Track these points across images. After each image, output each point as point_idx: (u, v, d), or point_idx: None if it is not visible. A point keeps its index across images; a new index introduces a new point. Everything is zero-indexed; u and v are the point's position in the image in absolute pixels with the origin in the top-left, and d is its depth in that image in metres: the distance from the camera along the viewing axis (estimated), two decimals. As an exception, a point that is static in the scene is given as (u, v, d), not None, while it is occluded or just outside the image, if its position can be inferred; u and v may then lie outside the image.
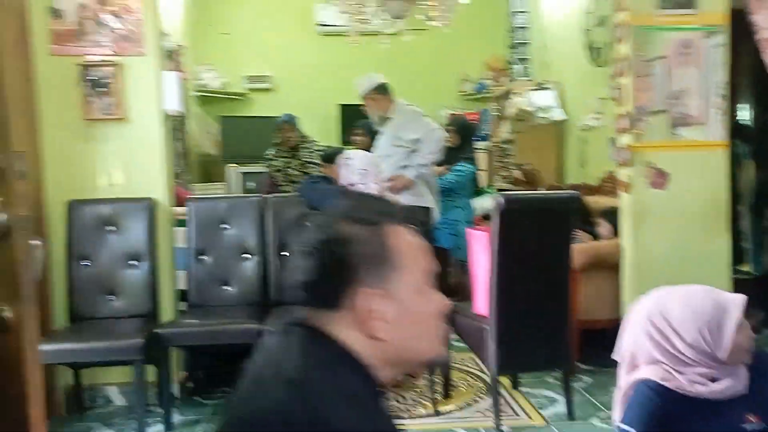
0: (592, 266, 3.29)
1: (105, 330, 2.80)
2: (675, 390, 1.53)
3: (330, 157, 3.66)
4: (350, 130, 4.73)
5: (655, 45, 3.09)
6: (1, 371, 1.27)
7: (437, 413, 2.86)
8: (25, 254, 1.28)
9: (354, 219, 0.91)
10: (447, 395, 3.03)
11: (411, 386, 3.10)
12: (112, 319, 2.93)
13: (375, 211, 0.93)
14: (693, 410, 1.52)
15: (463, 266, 3.06)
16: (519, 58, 5.92)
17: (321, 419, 0.81)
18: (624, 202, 3.22)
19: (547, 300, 2.68)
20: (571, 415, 2.77)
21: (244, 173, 5.37)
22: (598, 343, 2.94)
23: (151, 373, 2.88)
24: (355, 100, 4.02)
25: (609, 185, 4.23)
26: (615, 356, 1.71)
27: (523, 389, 3.12)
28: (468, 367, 3.41)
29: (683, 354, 1.54)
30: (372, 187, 3.08)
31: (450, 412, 2.90)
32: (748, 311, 1.54)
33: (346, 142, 5.43)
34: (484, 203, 4.65)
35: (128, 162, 3.07)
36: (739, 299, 1.55)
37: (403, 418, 2.79)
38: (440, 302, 0.95)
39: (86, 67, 3.00)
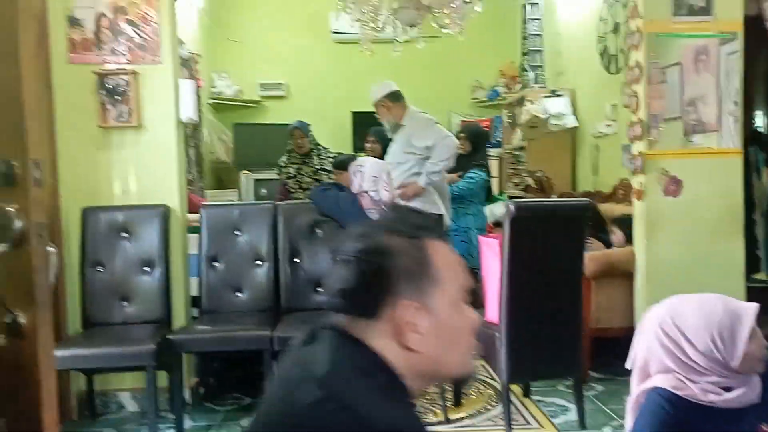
0: (604, 274, 3.27)
1: (118, 336, 2.83)
2: (687, 399, 1.52)
3: (341, 164, 3.67)
4: (362, 137, 4.75)
5: (669, 52, 3.08)
6: (16, 376, 1.28)
7: (448, 421, 2.85)
8: (40, 261, 1.30)
9: (396, 231, 0.92)
10: (458, 403, 3.02)
11: (422, 393, 3.09)
12: (125, 325, 2.96)
13: (417, 225, 0.94)
14: (705, 419, 1.51)
15: (475, 273, 3.05)
16: (532, 65, 5.92)
17: (355, 415, 0.82)
18: (637, 209, 3.20)
19: (558, 308, 2.67)
20: (582, 423, 2.74)
21: (257, 180, 5.41)
22: (611, 352, 2.93)
23: (163, 378, 2.90)
24: (368, 107, 4.03)
25: (622, 193, 4.21)
26: (627, 365, 1.70)
27: (535, 397, 3.11)
28: (479, 374, 3.40)
29: (696, 362, 1.53)
30: (383, 194, 3.09)
31: (460, 419, 2.89)
32: (762, 320, 1.53)
33: (359, 149, 5.45)
34: (496, 210, 4.65)
35: (142, 169, 3.11)
36: (753, 308, 1.53)
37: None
38: (474, 318, 0.96)
39: (103, 75, 3.05)
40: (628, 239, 3.38)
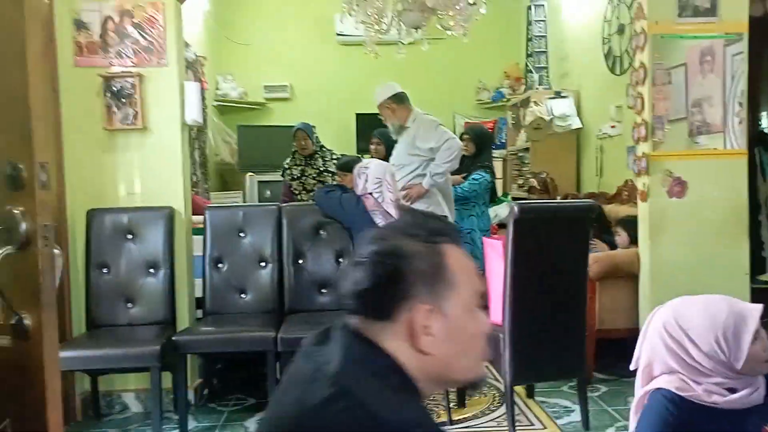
0: (608, 275, 3.27)
1: (122, 337, 2.84)
2: (691, 400, 1.52)
3: (346, 165, 3.68)
4: (367, 138, 4.76)
5: (674, 53, 3.08)
6: (21, 377, 1.29)
7: (451, 422, 2.85)
8: (46, 262, 1.31)
9: (413, 235, 0.93)
10: (461, 404, 3.02)
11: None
12: (130, 326, 2.97)
13: (434, 229, 0.95)
14: (709, 420, 1.50)
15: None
16: (536, 67, 5.92)
17: (368, 413, 0.83)
18: (641, 210, 3.20)
19: (562, 309, 2.66)
20: (586, 424, 2.74)
21: (261, 182, 5.42)
22: (615, 353, 2.92)
23: (167, 379, 2.91)
24: (372, 109, 4.04)
25: (626, 194, 4.20)
26: (632, 366, 1.70)
27: (539, 398, 3.10)
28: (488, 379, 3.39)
29: (700, 364, 1.52)
30: (387, 196, 3.09)
31: (464, 420, 2.89)
32: (766, 321, 1.52)
33: (363, 150, 5.46)
34: (500, 212, 4.65)
35: (148, 171, 3.12)
36: (757, 309, 1.53)
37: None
38: (487, 323, 0.97)
39: (109, 77, 3.06)
40: (633, 240, 3.38)
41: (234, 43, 6.18)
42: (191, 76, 4.57)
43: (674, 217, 3.08)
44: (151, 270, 3.04)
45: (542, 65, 5.91)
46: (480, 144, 4.37)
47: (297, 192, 4.46)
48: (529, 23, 6.05)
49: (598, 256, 3.31)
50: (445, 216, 3.65)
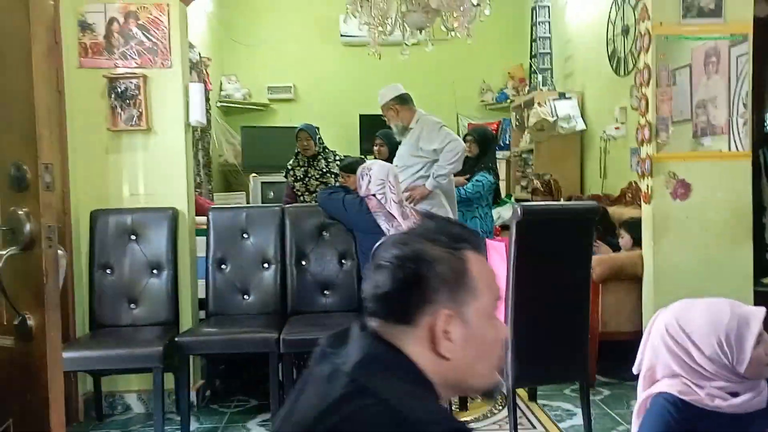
0: (612, 277, 3.26)
1: (125, 338, 2.85)
2: (693, 404, 1.51)
3: (349, 166, 3.68)
4: (370, 139, 4.76)
5: (679, 54, 3.07)
6: (24, 377, 1.30)
7: (454, 424, 2.84)
8: (50, 263, 1.31)
9: (436, 241, 0.94)
10: (463, 407, 3.02)
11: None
12: (133, 327, 2.98)
13: (456, 235, 0.96)
14: (712, 425, 1.50)
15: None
16: (540, 68, 5.91)
17: (389, 408, 0.83)
18: (645, 212, 3.19)
19: (565, 311, 2.66)
20: (589, 428, 2.73)
21: (265, 183, 5.42)
22: (618, 356, 2.91)
23: (169, 380, 2.91)
24: (376, 110, 4.04)
25: (630, 196, 4.19)
26: (635, 369, 1.70)
27: (541, 401, 3.10)
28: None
29: (702, 367, 1.52)
30: (390, 197, 3.09)
31: (466, 423, 2.89)
32: (770, 325, 1.52)
33: (366, 151, 5.46)
34: (504, 213, 4.64)
35: (151, 172, 3.13)
36: (760, 312, 1.53)
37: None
38: (504, 330, 0.98)
39: (113, 79, 3.07)
40: (636, 243, 3.37)
41: (238, 45, 6.20)
42: (195, 77, 4.58)
43: (678, 219, 3.07)
44: (155, 271, 3.05)
45: (546, 66, 5.91)
46: (483, 145, 4.37)
47: (300, 193, 4.47)
48: (533, 24, 6.04)
49: (601, 258, 3.30)
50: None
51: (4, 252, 1.24)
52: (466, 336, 0.91)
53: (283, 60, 6.30)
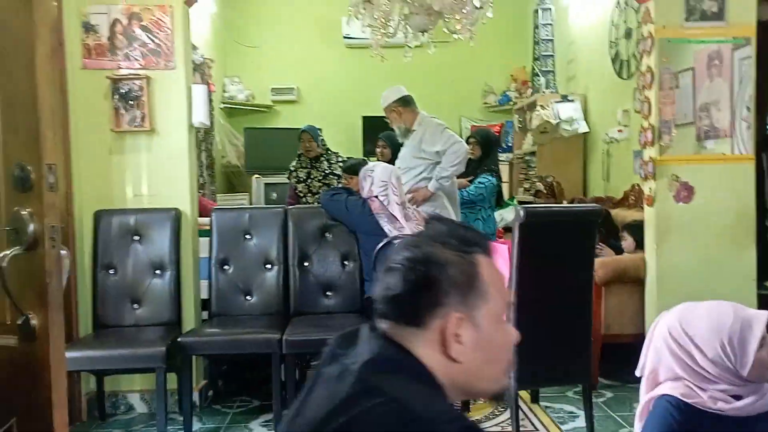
0: (615, 280, 3.26)
1: (128, 338, 2.85)
2: (696, 407, 1.51)
3: (352, 168, 3.68)
4: (373, 141, 4.76)
5: (682, 57, 3.07)
6: (28, 377, 1.30)
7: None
8: (53, 263, 1.32)
9: (447, 244, 0.94)
10: (465, 408, 3.02)
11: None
12: (136, 327, 2.99)
13: (468, 239, 0.97)
14: (714, 428, 1.50)
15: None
16: (543, 70, 5.91)
17: (400, 406, 0.83)
18: (648, 215, 3.19)
19: (568, 314, 2.66)
20: (591, 430, 2.72)
21: (268, 184, 5.43)
22: (621, 358, 2.91)
23: (172, 380, 2.92)
24: (378, 112, 4.04)
25: (633, 198, 4.19)
26: (637, 372, 1.70)
27: (543, 403, 3.10)
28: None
29: (705, 370, 1.52)
30: (392, 199, 3.10)
31: (470, 425, 2.88)
32: (773, 328, 1.52)
33: (369, 153, 5.46)
34: (506, 215, 4.64)
35: (154, 173, 3.14)
36: (764, 315, 1.53)
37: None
38: (514, 335, 0.98)
39: (117, 80, 3.08)
40: (639, 245, 3.36)
41: (241, 46, 6.21)
42: (198, 79, 4.59)
43: (681, 222, 3.07)
44: (158, 271, 3.05)
45: (549, 69, 5.91)
46: (486, 147, 4.37)
47: (303, 194, 4.47)
48: (536, 27, 6.04)
49: (604, 260, 3.30)
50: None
51: (7, 252, 1.25)
52: (477, 339, 0.92)
53: (286, 62, 6.31)
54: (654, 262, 3.10)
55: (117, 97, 3.09)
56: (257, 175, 5.52)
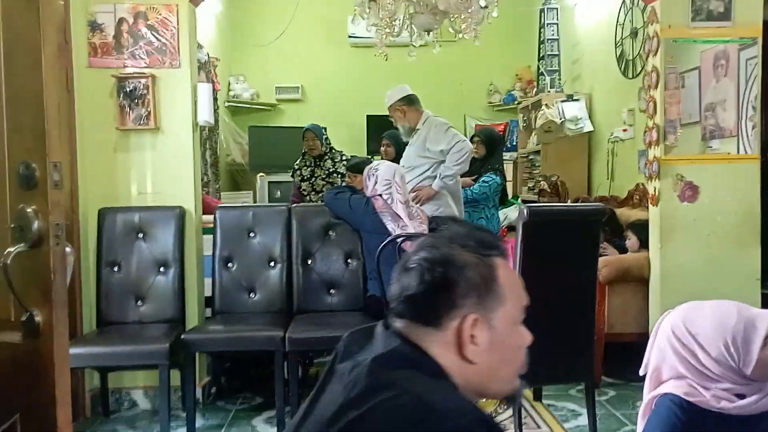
0: (618, 279, 3.25)
1: (132, 334, 2.86)
2: (699, 405, 1.51)
3: (356, 166, 3.69)
4: (377, 140, 4.76)
5: (688, 57, 3.06)
6: (32, 373, 1.31)
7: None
8: (57, 260, 1.32)
9: (465, 246, 0.95)
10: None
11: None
12: (140, 324, 3.00)
13: (485, 241, 0.97)
14: (718, 427, 1.49)
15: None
16: (548, 70, 5.90)
17: (416, 398, 0.83)
18: (652, 215, 3.18)
19: (571, 312, 2.65)
20: (594, 428, 2.72)
21: (272, 182, 5.44)
22: (624, 357, 2.91)
23: (175, 377, 2.93)
24: (383, 111, 4.05)
25: (637, 198, 4.18)
26: (641, 371, 1.70)
27: (546, 401, 3.09)
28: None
29: (708, 369, 1.52)
30: (396, 198, 3.10)
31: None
32: (776, 328, 1.51)
33: (373, 152, 5.46)
34: (510, 214, 4.64)
35: (159, 171, 3.15)
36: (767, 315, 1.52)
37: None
38: (528, 338, 0.99)
39: (122, 78, 3.09)
40: (643, 244, 3.36)
41: (246, 45, 6.22)
42: (203, 77, 4.60)
43: (685, 222, 3.06)
44: (162, 269, 3.06)
45: (554, 68, 5.90)
46: (491, 146, 4.37)
47: (306, 193, 4.48)
48: (542, 26, 6.03)
49: (608, 259, 3.30)
50: (455, 218, 3.65)
51: (12, 249, 1.26)
52: (492, 341, 0.93)
53: (290, 60, 6.32)
54: (658, 262, 3.10)
55: (122, 95, 3.10)
56: (261, 174, 5.53)
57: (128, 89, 3.10)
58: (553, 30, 5.94)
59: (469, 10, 3.55)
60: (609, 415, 2.93)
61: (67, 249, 1.40)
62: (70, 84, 3.01)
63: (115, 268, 3.05)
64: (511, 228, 4.32)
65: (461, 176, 3.90)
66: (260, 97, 6.35)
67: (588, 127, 5.16)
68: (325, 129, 4.59)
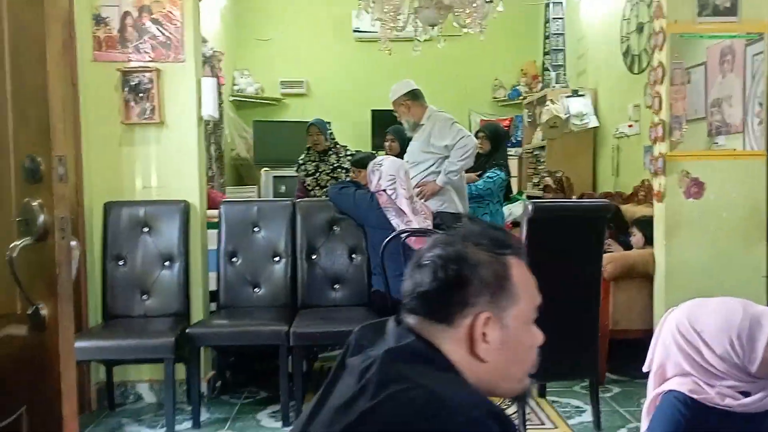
0: (623, 276, 3.24)
1: (137, 328, 2.88)
2: (704, 403, 1.50)
3: (360, 161, 3.68)
4: (381, 135, 4.76)
5: (694, 52, 3.04)
6: (37, 367, 1.32)
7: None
8: (63, 254, 1.33)
9: (480, 244, 0.95)
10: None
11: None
12: (145, 318, 3.01)
13: (499, 240, 0.97)
14: (722, 424, 1.49)
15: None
16: (554, 65, 5.88)
17: (428, 392, 0.83)
18: (658, 211, 3.17)
19: (576, 309, 2.65)
20: (598, 425, 2.73)
21: (276, 177, 5.45)
22: (629, 354, 2.90)
23: (180, 371, 2.94)
24: (387, 106, 4.04)
25: (643, 194, 4.16)
26: (645, 367, 1.69)
27: (550, 398, 3.09)
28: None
29: (713, 366, 1.51)
30: (401, 193, 3.09)
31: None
32: (782, 325, 1.50)
33: (378, 147, 5.46)
34: (515, 210, 4.63)
35: (164, 165, 3.15)
36: (773, 313, 1.51)
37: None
38: (540, 337, 0.99)
39: (127, 72, 3.09)
40: (648, 241, 3.35)
41: (251, 39, 6.22)
42: (208, 72, 4.60)
43: (691, 218, 3.05)
44: (167, 263, 3.07)
45: (559, 63, 5.87)
46: (495, 142, 4.36)
47: (311, 188, 4.48)
48: (547, 21, 6.00)
49: (612, 256, 3.29)
50: (459, 214, 3.64)
51: (18, 243, 1.26)
52: (504, 340, 0.93)
53: (295, 55, 6.31)
54: (663, 258, 3.09)
55: (127, 89, 3.10)
56: (266, 168, 5.53)
57: (133, 83, 3.10)
58: (558, 25, 5.92)
59: (474, 5, 3.54)
60: (613, 411, 2.92)
61: (73, 243, 1.40)
62: (75, 78, 3.01)
63: (121, 262, 3.06)
64: (516, 224, 4.31)
65: (466, 172, 3.89)
66: (265, 92, 6.34)
67: (593, 122, 5.14)
68: (330, 124, 4.59)
